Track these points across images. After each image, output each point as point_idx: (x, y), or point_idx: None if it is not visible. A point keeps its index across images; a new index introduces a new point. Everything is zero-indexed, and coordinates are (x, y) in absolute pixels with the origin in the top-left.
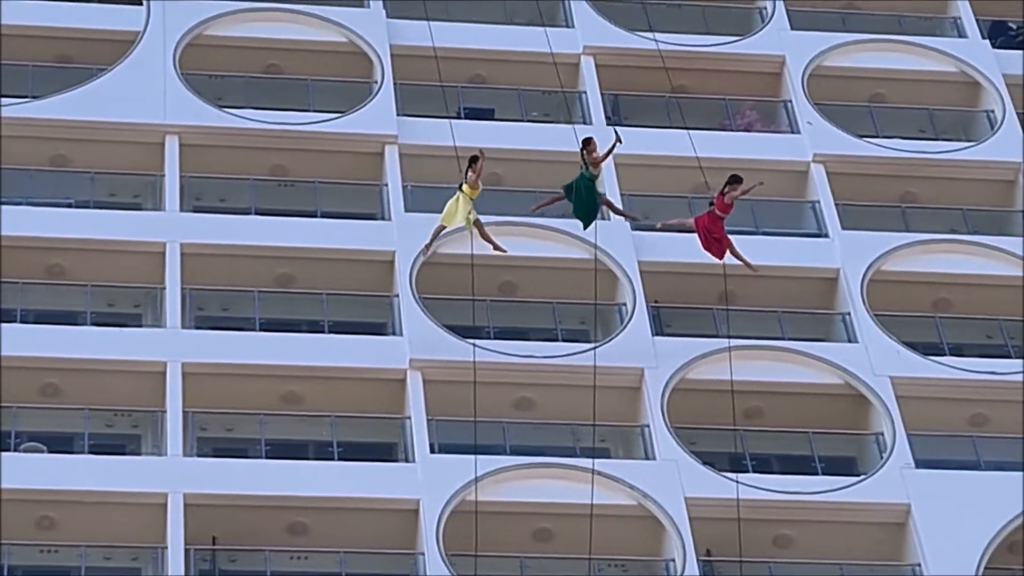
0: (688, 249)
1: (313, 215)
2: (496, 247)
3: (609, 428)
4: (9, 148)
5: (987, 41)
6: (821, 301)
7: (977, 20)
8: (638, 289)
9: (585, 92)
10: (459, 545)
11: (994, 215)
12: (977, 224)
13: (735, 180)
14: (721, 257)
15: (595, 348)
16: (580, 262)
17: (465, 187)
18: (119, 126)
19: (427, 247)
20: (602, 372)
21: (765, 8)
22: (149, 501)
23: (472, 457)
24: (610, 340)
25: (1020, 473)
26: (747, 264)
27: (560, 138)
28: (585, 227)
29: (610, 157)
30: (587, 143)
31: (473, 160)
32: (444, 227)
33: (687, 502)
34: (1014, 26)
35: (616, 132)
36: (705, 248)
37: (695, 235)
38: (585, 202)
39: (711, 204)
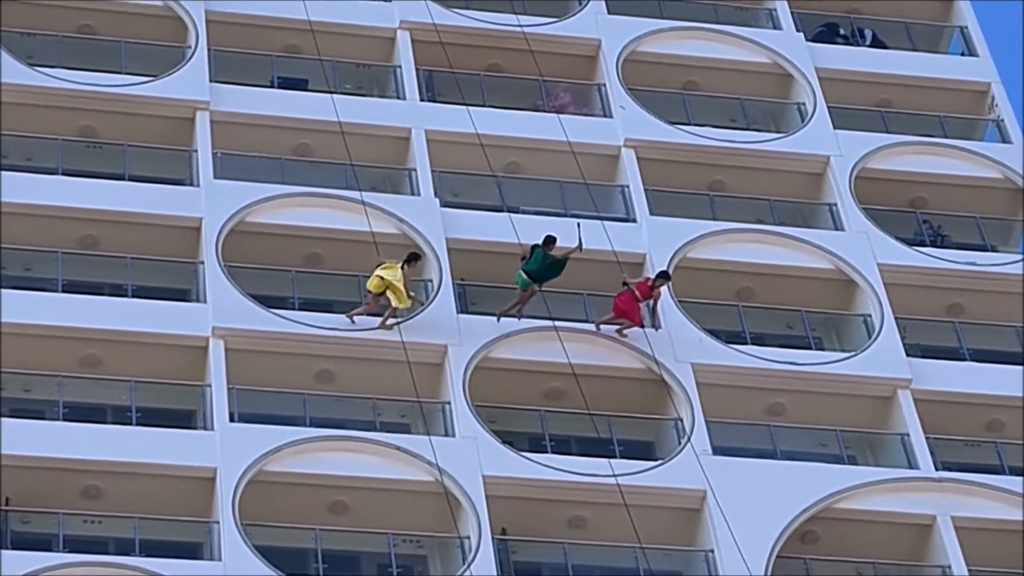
0: (496, 228)
1: (121, 178)
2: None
3: (410, 404)
4: None
5: (801, 34)
6: None
7: (793, 13)
8: (445, 266)
9: (400, 67)
10: (254, 515)
11: (801, 207)
12: (783, 215)
13: (666, 277)
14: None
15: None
16: (387, 236)
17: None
18: None
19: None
20: (406, 347)
21: None
22: None
23: (271, 428)
24: (415, 316)
25: (815, 463)
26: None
27: (372, 111)
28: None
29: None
30: (550, 241)
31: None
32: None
33: (484, 480)
34: (842, 31)
35: (580, 239)
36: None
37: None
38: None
39: (625, 284)
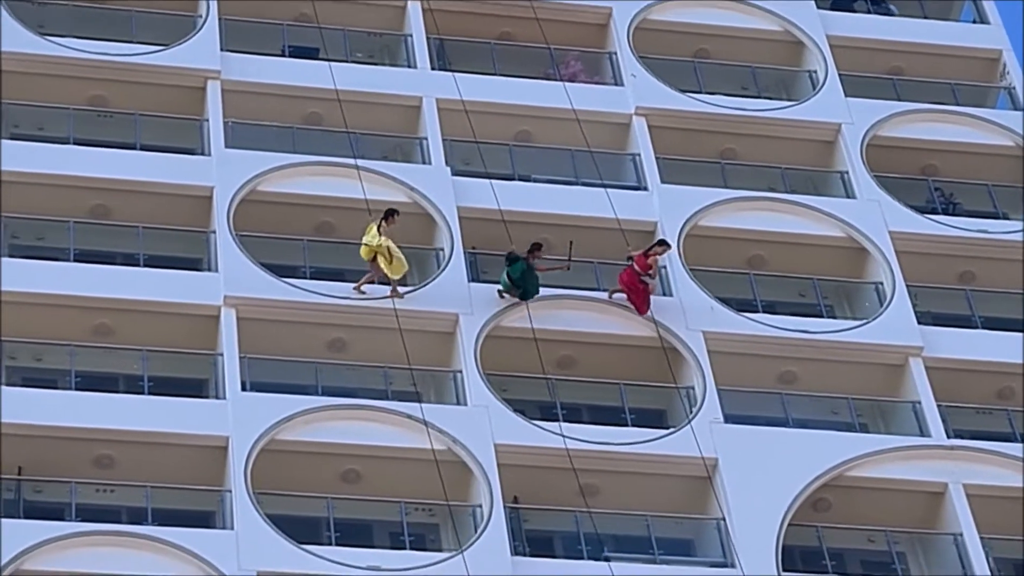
0: (508, 197)
1: (132, 147)
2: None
3: (422, 372)
4: None
5: (812, 1)
6: None
7: None
8: (456, 234)
9: (411, 35)
10: (266, 484)
11: (812, 175)
12: (795, 183)
13: (664, 244)
14: (642, 312)
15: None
16: (398, 205)
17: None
18: None
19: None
20: (417, 316)
21: None
22: None
23: (283, 396)
24: (426, 284)
25: (827, 431)
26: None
27: (383, 80)
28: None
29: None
30: (537, 247)
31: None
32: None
33: (496, 448)
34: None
35: (570, 257)
36: (630, 301)
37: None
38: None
39: (629, 259)
